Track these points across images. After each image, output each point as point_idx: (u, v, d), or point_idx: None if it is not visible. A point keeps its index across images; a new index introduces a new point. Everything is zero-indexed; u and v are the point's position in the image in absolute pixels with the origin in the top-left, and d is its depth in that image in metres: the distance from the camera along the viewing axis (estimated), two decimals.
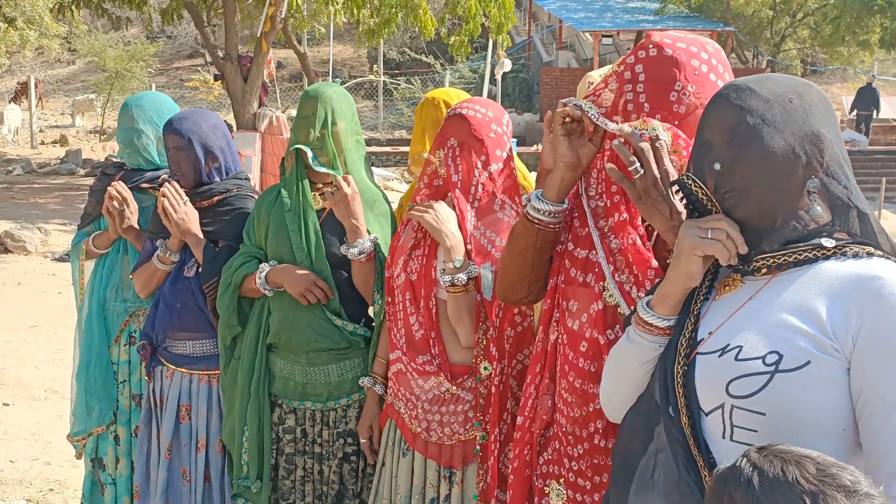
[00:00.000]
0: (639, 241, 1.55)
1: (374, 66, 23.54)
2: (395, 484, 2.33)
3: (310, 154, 2.41)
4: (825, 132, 1.25)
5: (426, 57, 23.66)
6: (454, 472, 2.25)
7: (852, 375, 1.18)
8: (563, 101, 2.26)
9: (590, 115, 1.57)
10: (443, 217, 2.17)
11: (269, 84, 16.86)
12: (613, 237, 1.60)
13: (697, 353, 1.29)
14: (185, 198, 2.65)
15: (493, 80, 16.02)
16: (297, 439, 2.53)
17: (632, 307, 1.54)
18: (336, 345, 2.48)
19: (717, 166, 1.26)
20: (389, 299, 2.35)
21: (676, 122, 1.53)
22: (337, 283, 2.46)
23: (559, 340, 1.70)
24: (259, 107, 12.91)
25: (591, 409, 1.62)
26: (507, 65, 15.76)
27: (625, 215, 1.57)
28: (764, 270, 1.28)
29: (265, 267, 2.49)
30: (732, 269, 1.32)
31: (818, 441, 1.14)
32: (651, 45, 1.57)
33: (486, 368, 2.14)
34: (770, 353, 1.20)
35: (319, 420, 2.52)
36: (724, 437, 1.24)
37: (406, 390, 2.28)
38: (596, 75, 2.27)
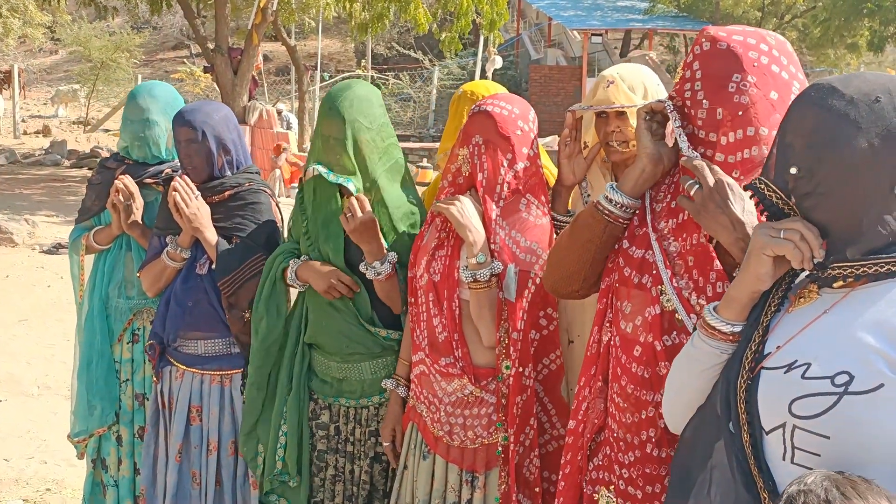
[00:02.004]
0: (703, 239, 1.50)
1: (362, 60, 23.41)
2: (415, 487, 2.28)
3: (322, 170, 2.33)
4: None
5: (415, 52, 23.56)
6: (476, 477, 2.20)
7: None
8: (572, 107, 2.24)
9: (668, 112, 1.52)
10: (467, 211, 2.12)
11: (258, 77, 16.71)
12: (673, 240, 1.54)
13: (762, 368, 1.23)
14: (197, 192, 2.57)
15: (483, 78, 15.96)
16: (330, 437, 2.48)
17: (691, 314, 1.49)
18: (368, 350, 2.43)
19: (794, 170, 1.20)
20: (412, 300, 2.30)
21: (740, 113, 1.47)
22: (368, 286, 2.40)
23: (612, 342, 1.64)
24: (249, 100, 12.81)
25: (643, 417, 1.57)
26: (498, 62, 15.72)
27: (688, 213, 1.52)
28: (841, 282, 1.21)
29: (295, 262, 2.45)
30: (810, 279, 1.27)
31: (884, 468, 1.09)
32: (704, 40, 1.52)
33: (507, 367, 2.09)
34: (840, 373, 1.13)
35: (353, 418, 2.47)
36: (784, 459, 1.18)
37: (428, 392, 2.22)
38: (613, 72, 2.21)
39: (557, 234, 2.23)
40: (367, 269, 2.34)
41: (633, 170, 1.60)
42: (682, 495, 1.33)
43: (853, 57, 21.87)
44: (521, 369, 2.09)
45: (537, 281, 2.10)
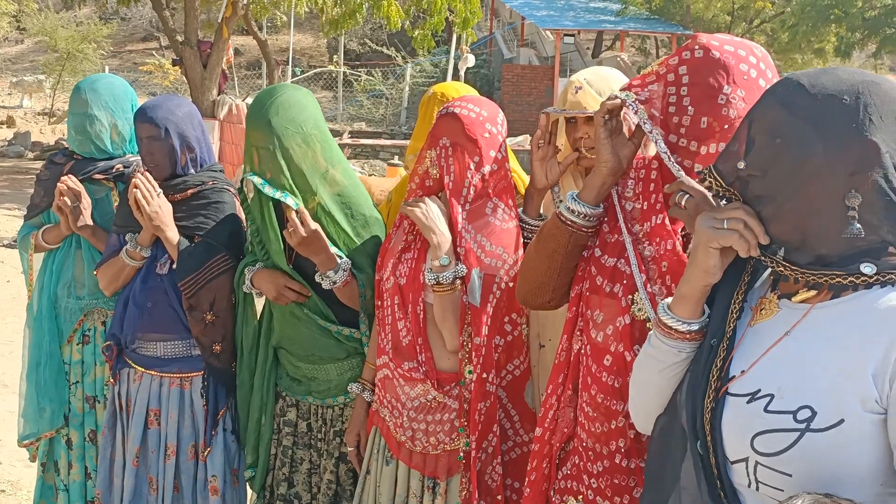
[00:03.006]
0: (678, 247, 1.47)
1: (335, 56, 23.26)
2: (377, 493, 2.24)
3: (258, 181, 2.27)
4: (883, 139, 1.09)
5: (387, 49, 23.46)
6: (438, 483, 2.17)
7: (890, 424, 1.06)
8: (546, 110, 2.22)
9: (630, 106, 1.49)
10: (432, 214, 2.09)
11: (228, 71, 16.51)
12: (648, 244, 1.52)
13: (727, 393, 1.19)
14: (159, 190, 2.51)
15: (455, 76, 15.94)
16: (300, 433, 2.47)
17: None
18: (334, 355, 2.42)
19: (741, 164, 1.16)
20: (378, 303, 2.26)
21: (726, 126, 1.45)
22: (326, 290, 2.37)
23: (582, 351, 1.61)
24: (218, 94, 12.64)
25: (613, 427, 1.55)
26: (471, 60, 15.70)
27: (661, 216, 1.49)
28: (800, 296, 1.17)
29: (251, 269, 2.45)
30: (772, 289, 1.23)
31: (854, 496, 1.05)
32: (697, 47, 1.49)
33: (469, 372, 2.07)
34: (802, 407, 1.09)
35: (319, 416, 2.46)
36: (749, 487, 1.15)
37: (392, 397, 2.19)
38: (581, 77, 2.18)
39: (527, 237, 2.20)
40: (322, 280, 2.31)
41: (594, 180, 1.58)
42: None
43: (820, 62, 22.18)
44: (484, 375, 2.06)
45: (503, 286, 2.08)
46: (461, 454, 2.10)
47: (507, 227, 2.13)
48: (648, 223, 1.53)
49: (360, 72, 22.85)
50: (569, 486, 1.65)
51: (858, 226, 1.10)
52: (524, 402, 2.18)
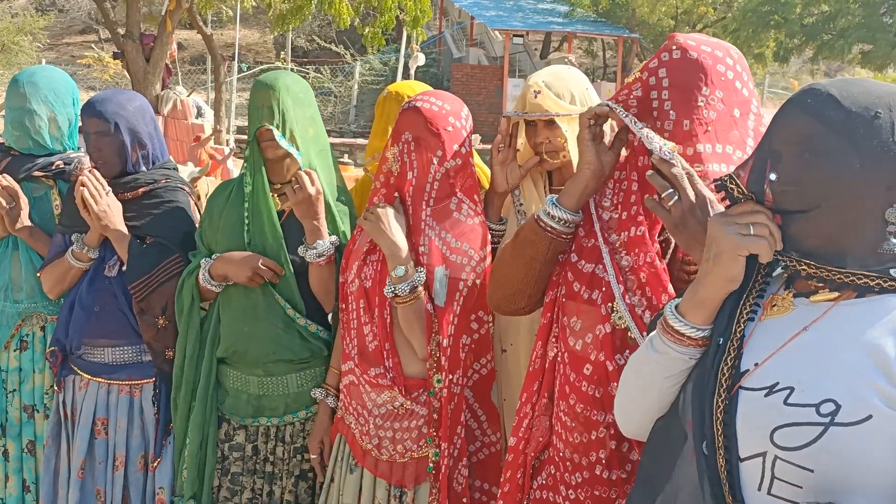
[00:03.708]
0: (656, 260, 1.43)
1: (282, 53, 22.94)
2: (341, 502, 2.17)
3: (277, 133, 2.19)
4: None
5: (336, 46, 23.25)
6: (405, 492, 2.11)
7: None
8: (506, 113, 2.17)
9: (622, 117, 1.45)
10: (386, 222, 2.02)
11: (172, 66, 16.13)
12: (625, 254, 1.47)
13: (741, 388, 1.15)
14: (108, 188, 2.39)
15: (406, 74, 15.84)
16: (247, 458, 2.33)
17: (644, 332, 1.42)
18: (297, 356, 2.30)
19: (773, 176, 1.12)
20: (343, 306, 2.18)
21: (707, 129, 1.42)
22: (297, 279, 2.27)
23: (559, 358, 1.56)
24: (162, 89, 12.34)
25: (593, 437, 1.50)
26: (421, 59, 15.58)
27: (642, 229, 1.45)
28: (821, 296, 1.14)
29: (207, 261, 2.29)
30: (786, 287, 1.20)
31: (863, 500, 1.04)
32: (675, 48, 1.46)
33: (438, 381, 2.01)
34: (826, 401, 1.05)
35: (274, 436, 2.33)
36: (760, 489, 1.10)
37: (357, 404, 2.12)
38: (539, 80, 2.14)
39: (492, 241, 2.16)
40: (306, 251, 2.21)
41: (575, 184, 1.53)
42: None
43: (759, 66, 22.75)
44: (451, 377, 2.01)
45: (469, 283, 2.03)
46: (430, 464, 2.04)
47: (472, 223, 2.08)
48: (626, 233, 1.49)
49: (308, 69, 22.58)
50: (545, 496, 1.61)
51: (894, 240, 1.09)
52: (491, 402, 2.14)
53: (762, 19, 19.84)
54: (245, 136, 2.33)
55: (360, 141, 18.10)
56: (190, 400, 2.34)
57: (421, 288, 2.00)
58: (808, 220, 1.12)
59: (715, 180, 1.20)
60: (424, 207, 2.05)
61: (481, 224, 2.10)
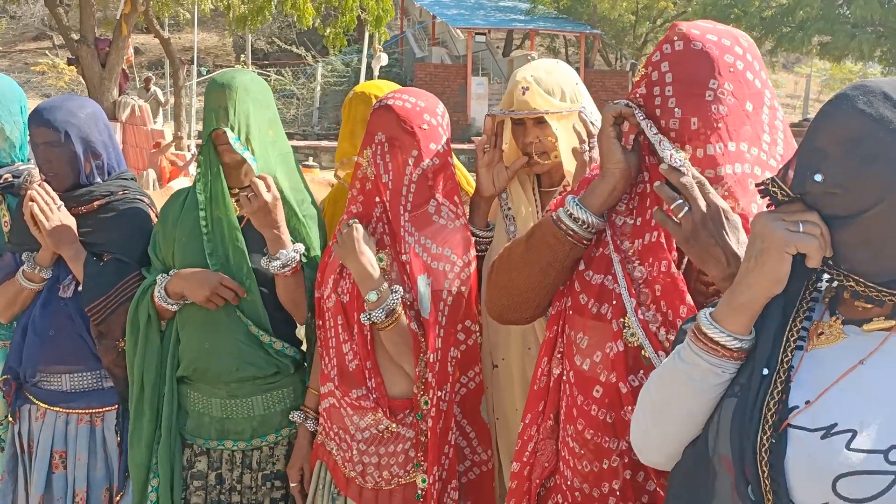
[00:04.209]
0: (673, 268, 1.30)
1: (242, 55, 22.62)
2: None
3: (231, 136, 2.04)
4: None
5: (297, 48, 22.98)
6: None
7: None
8: (492, 111, 2.04)
9: (639, 118, 1.32)
10: (353, 244, 1.87)
11: (129, 71, 15.79)
12: (639, 263, 1.34)
13: (790, 425, 1.03)
14: (60, 202, 2.21)
15: (369, 75, 15.65)
16: (210, 487, 2.15)
17: (659, 351, 1.29)
18: (262, 372, 2.13)
19: (819, 177, 1.01)
20: (320, 323, 2.03)
21: (719, 125, 1.29)
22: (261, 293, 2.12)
23: (564, 377, 1.43)
24: (119, 95, 12.05)
25: (605, 467, 1.36)
26: (384, 59, 15.40)
27: (656, 233, 1.33)
28: (876, 325, 1.03)
29: (163, 278, 2.12)
30: (831, 313, 1.08)
31: None
32: (676, 38, 1.33)
33: (426, 403, 1.88)
34: (894, 447, 0.95)
35: (240, 462, 2.16)
36: None
37: (339, 428, 1.97)
38: (527, 75, 2.01)
39: (479, 249, 2.03)
40: (269, 262, 2.05)
41: (603, 185, 1.39)
42: None
43: None
44: (439, 394, 1.87)
45: (453, 291, 1.89)
46: (419, 492, 1.90)
47: (453, 226, 1.95)
48: (641, 240, 1.36)
49: (269, 72, 22.28)
50: None
51: None
52: (480, 418, 2.01)
53: (722, 12, 19.99)
54: None
55: (325, 143, 17.88)
56: (154, 428, 2.17)
57: (399, 308, 1.86)
58: (856, 227, 1.01)
59: (758, 184, 1.08)
60: (402, 213, 1.91)
61: (463, 227, 1.97)
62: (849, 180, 1.00)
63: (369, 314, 1.86)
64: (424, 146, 1.93)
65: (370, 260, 1.87)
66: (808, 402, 1.03)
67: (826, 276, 1.09)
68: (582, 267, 1.43)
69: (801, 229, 1.02)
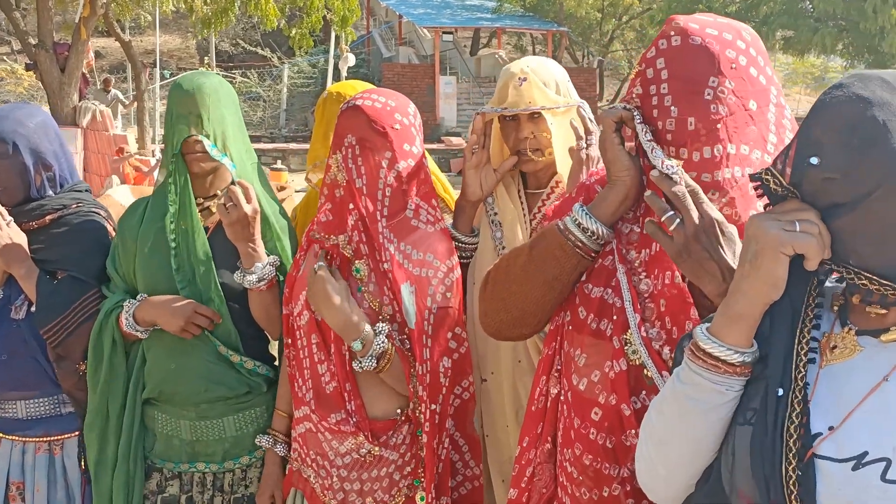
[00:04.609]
0: (678, 279, 1.21)
1: (206, 58, 22.31)
2: None
3: (208, 143, 1.93)
4: None
5: (262, 49, 22.72)
6: None
7: None
8: (483, 109, 1.95)
9: (636, 122, 1.23)
10: (322, 293, 1.75)
11: (89, 75, 15.47)
12: (645, 275, 1.25)
13: (816, 456, 0.94)
14: (9, 218, 2.08)
15: (337, 75, 15.50)
16: None
17: (663, 371, 1.20)
18: (233, 392, 2.02)
19: (815, 160, 0.94)
20: (290, 341, 1.92)
21: (718, 126, 1.21)
22: (231, 312, 2.01)
23: (562, 398, 1.34)
24: (80, 99, 11.77)
25: (605, 495, 1.27)
26: (351, 59, 15.30)
27: None
28: (895, 332, 0.94)
29: (132, 303, 2.00)
30: (842, 323, 1.00)
31: None
32: (673, 33, 1.24)
33: (419, 433, 1.79)
34: None
35: (211, 485, 2.04)
36: None
37: (317, 454, 1.85)
38: (524, 66, 1.93)
39: (460, 257, 1.92)
40: (243, 277, 1.94)
41: (613, 194, 1.29)
42: None
43: None
44: (432, 406, 1.77)
45: (438, 298, 1.79)
46: None
47: (433, 230, 1.85)
48: (648, 250, 1.27)
49: (234, 74, 22.00)
50: None
51: None
52: (472, 431, 1.92)
53: (687, 9, 20.08)
54: None
55: (294, 146, 17.68)
56: (114, 452, 2.05)
57: (390, 348, 1.76)
58: (858, 214, 0.93)
59: (752, 176, 1.00)
60: (379, 219, 1.81)
61: (444, 231, 1.88)
62: (847, 166, 0.93)
63: (360, 363, 1.75)
64: (398, 147, 1.83)
65: (345, 307, 1.75)
66: (831, 428, 0.94)
67: (831, 278, 1.01)
68: (583, 279, 1.34)
69: (798, 228, 0.95)
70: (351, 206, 1.84)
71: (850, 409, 0.94)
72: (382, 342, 1.75)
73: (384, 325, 1.76)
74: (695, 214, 1.14)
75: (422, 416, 1.77)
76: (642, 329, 1.22)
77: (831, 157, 0.94)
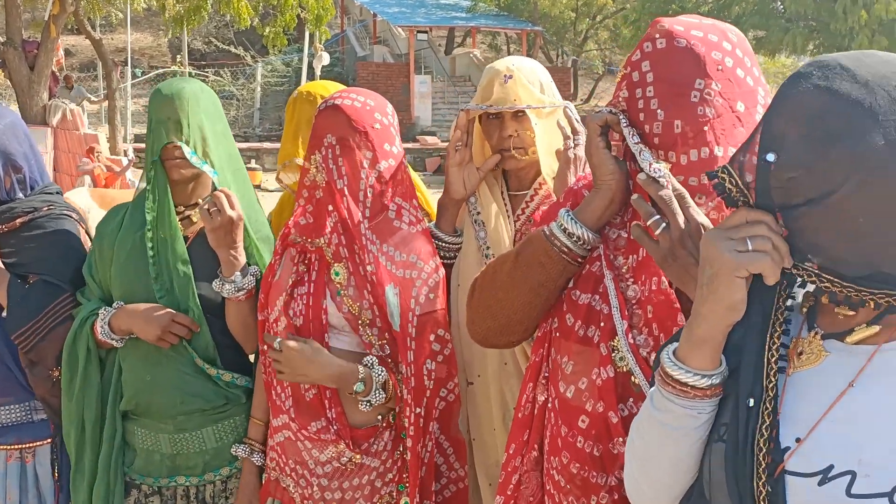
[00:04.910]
0: (665, 284, 1.20)
1: (178, 56, 22.07)
2: None
3: (187, 150, 1.89)
4: None
5: (235, 48, 22.54)
6: None
7: None
8: (467, 106, 1.93)
9: (623, 126, 1.22)
10: (304, 362, 1.74)
11: (59, 73, 15.23)
12: (632, 282, 1.24)
13: (786, 471, 0.92)
14: None
15: (311, 74, 15.41)
16: None
17: (650, 378, 1.19)
18: (210, 403, 1.98)
19: (771, 157, 0.91)
20: (265, 348, 1.88)
21: (705, 129, 1.20)
22: (209, 323, 1.97)
23: (549, 405, 1.33)
24: (50, 98, 11.59)
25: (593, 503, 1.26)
26: (326, 58, 15.19)
27: None
28: (861, 332, 0.92)
29: (106, 311, 1.95)
30: (809, 328, 0.98)
31: None
32: (658, 35, 1.23)
33: (404, 434, 1.78)
34: None
35: (194, 497, 2.00)
36: None
37: (296, 463, 1.82)
38: (509, 64, 1.91)
39: (442, 257, 1.91)
40: (222, 286, 1.91)
41: (599, 198, 1.28)
42: None
43: None
44: (417, 409, 1.75)
45: (421, 300, 1.77)
46: None
47: (415, 230, 1.84)
48: (635, 256, 1.25)
49: (206, 72, 21.79)
50: None
51: None
52: (457, 432, 1.90)
53: (661, 8, 20.21)
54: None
55: (268, 145, 17.54)
56: (95, 468, 2.00)
57: (389, 382, 1.75)
58: (823, 211, 0.90)
59: (708, 173, 0.97)
60: (362, 220, 1.78)
61: (426, 231, 1.86)
62: (809, 160, 0.89)
63: (368, 403, 1.74)
64: (379, 146, 1.81)
65: (331, 360, 1.74)
66: (798, 441, 0.92)
67: (799, 280, 0.99)
68: (570, 285, 1.33)
69: (751, 247, 0.91)
70: (330, 207, 1.82)
71: (816, 420, 0.92)
72: (380, 372, 1.74)
73: (373, 358, 1.75)
74: (681, 219, 1.13)
75: (406, 419, 1.75)
76: (630, 336, 1.21)
77: (794, 153, 0.91)
